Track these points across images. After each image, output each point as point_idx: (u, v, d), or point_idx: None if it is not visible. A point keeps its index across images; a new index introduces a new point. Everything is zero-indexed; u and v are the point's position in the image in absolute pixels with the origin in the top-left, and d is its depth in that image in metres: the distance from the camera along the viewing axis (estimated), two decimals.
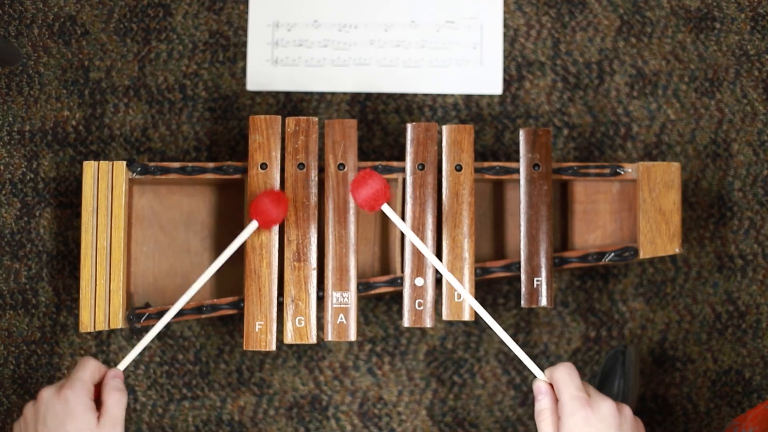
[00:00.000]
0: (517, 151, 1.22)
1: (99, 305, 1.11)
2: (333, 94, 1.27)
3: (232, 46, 1.27)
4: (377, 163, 1.13)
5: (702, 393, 1.25)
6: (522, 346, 1.25)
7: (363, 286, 1.12)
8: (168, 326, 1.25)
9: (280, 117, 1.12)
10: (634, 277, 1.25)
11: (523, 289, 1.12)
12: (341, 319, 1.10)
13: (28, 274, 1.25)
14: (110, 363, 1.24)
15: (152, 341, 1.24)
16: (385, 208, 1.04)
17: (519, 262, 1.12)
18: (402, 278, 1.12)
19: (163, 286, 1.18)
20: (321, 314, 1.13)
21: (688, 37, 1.28)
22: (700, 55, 1.27)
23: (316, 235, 1.11)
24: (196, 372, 1.25)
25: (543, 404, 0.94)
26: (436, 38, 1.27)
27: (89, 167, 1.12)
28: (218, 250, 1.18)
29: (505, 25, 1.28)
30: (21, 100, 1.26)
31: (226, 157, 1.26)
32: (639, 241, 1.13)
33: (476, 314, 1.25)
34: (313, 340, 1.10)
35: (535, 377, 0.97)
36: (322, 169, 1.12)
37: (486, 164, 1.14)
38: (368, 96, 1.27)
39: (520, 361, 1.25)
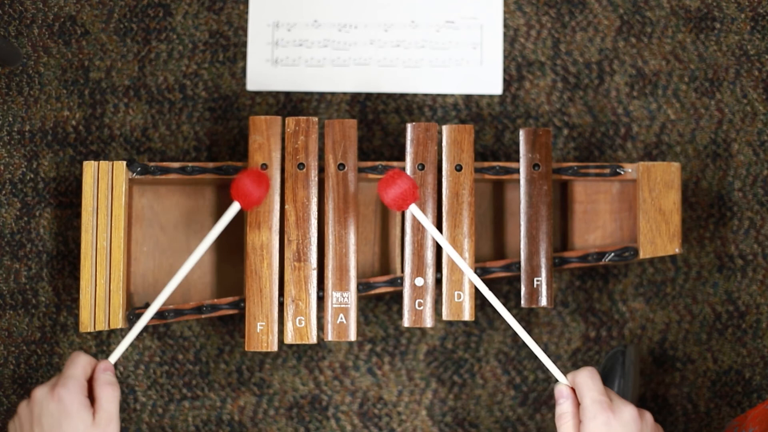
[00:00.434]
0: (517, 151, 1.22)
1: (99, 305, 1.11)
2: (333, 94, 1.27)
3: (232, 46, 1.27)
4: (377, 163, 1.13)
5: (702, 393, 1.25)
6: (522, 346, 1.25)
7: (363, 286, 1.12)
8: (168, 326, 1.25)
9: (280, 117, 1.12)
10: (634, 277, 1.25)
11: (523, 289, 1.12)
12: (341, 319, 1.10)
13: (28, 274, 1.24)
14: None
15: (152, 341, 1.24)
16: (413, 208, 1.03)
17: (519, 262, 1.12)
18: (402, 278, 1.12)
19: (163, 286, 1.18)
20: (321, 314, 1.13)
21: (688, 37, 1.28)
22: (700, 55, 1.27)
23: (316, 235, 1.11)
24: (196, 372, 1.25)
25: (564, 408, 0.95)
26: (436, 38, 1.27)
27: (89, 167, 1.12)
28: (218, 250, 1.18)
29: (505, 25, 1.28)
30: (21, 100, 1.26)
31: (226, 157, 1.26)
32: (639, 241, 1.13)
33: (476, 314, 1.25)
34: (314, 340, 1.10)
35: (557, 381, 0.97)
36: (322, 169, 1.12)
37: (486, 164, 1.14)
38: (368, 96, 1.27)
39: (520, 361, 1.25)
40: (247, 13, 1.27)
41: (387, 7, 1.27)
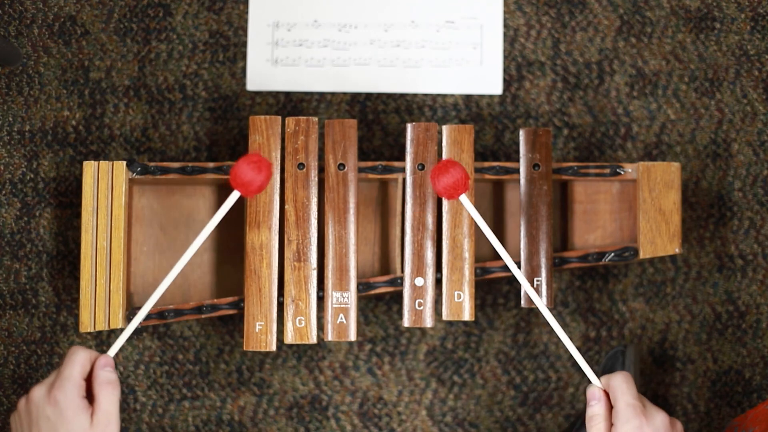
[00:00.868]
0: (517, 151, 1.22)
1: (99, 305, 1.11)
2: (333, 94, 1.27)
3: (232, 46, 1.27)
4: (377, 163, 1.13)
5: (702, 393, 1.25)
6: (522, 346, 1.25)
7: (363, 286, 1.12)
8: (168, 326, 1.25)
9: (279, 117, 1.12)
10: (634, 277, 1.25)
11: (523, 290, 1.12)
12: (341, 319, 1.10)
13: (28, 274, 1.24)
14: None
15: (152, 341, 1.24)
16: (463, 199, 1.02)
17: (519, 262, 1.12)
18: (402, 278, 1.12)
19: None
20: (321, 314, 1.13)
21: (688, 37, 1.28)
22: (700, 55, 1.27)
23: (316, 235, 1.11)
24: (196, 372, 1.25)
25: (596, 410, 0.95)
26: (436, 38, 1.27)
27: (89, 167, 1.12)
28: (218, 251, 1.19)
29: (505, 25, 1.28)
30: (21, 100, 1.26)
31: (226, 157, 1.26)
32: (639, 241, 1.13)
33: (476, 314, 1.25)
34: (314, 340, 1.10)
35: (590, 382, 0.98)
36: (322, 169, 1.12)
37: (486, 164, 1.14)
38: (368, 96, 1.27)
39: (520, 361, 1.25)
40: (247, 13, 1.27)
41: (387, 7, 1.27)
